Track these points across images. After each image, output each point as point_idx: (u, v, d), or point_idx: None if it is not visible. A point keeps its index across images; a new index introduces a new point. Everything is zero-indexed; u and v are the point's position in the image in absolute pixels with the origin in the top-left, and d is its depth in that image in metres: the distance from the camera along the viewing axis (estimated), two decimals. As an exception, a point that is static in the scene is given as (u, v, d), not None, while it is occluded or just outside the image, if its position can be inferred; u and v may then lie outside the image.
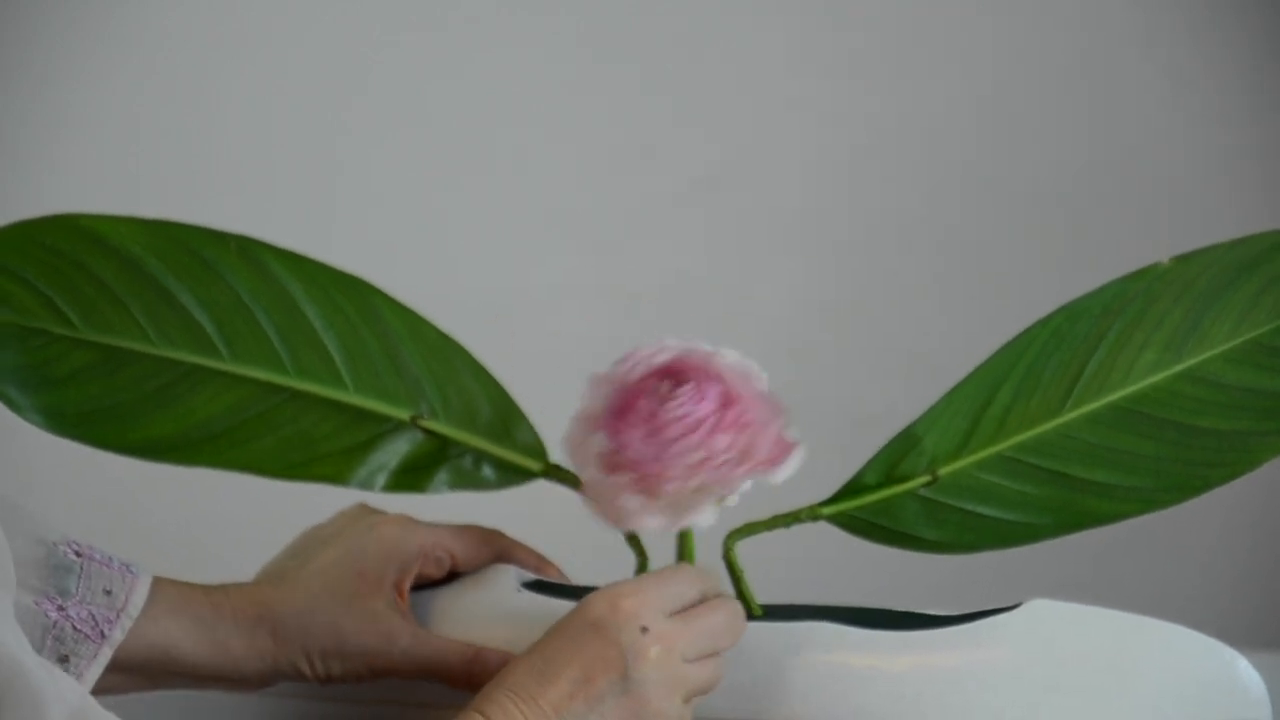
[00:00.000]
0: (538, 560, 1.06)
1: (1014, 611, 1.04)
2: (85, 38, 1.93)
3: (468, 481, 1.08)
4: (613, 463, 0.92)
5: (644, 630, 0.87)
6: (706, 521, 0.96)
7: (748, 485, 0.97)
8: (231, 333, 1.07)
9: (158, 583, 1.00)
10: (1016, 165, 1.92)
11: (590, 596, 0.91)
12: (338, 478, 1.07)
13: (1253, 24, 1.87)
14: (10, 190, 1.73)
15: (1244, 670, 1.02)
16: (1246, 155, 1.87)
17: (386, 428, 1.08)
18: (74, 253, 1.06)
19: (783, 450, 0.94)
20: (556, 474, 1.07)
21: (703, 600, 0.94)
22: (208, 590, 1.01)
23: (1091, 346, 1.09)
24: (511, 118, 1.96)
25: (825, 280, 1.94)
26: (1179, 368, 1.09)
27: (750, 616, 1.05)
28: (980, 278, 1.92)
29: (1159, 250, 1.11)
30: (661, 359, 0.93)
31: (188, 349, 1.07)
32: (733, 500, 1.00)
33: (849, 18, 1.93)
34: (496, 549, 1.05)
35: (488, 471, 1.09)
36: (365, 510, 1.08)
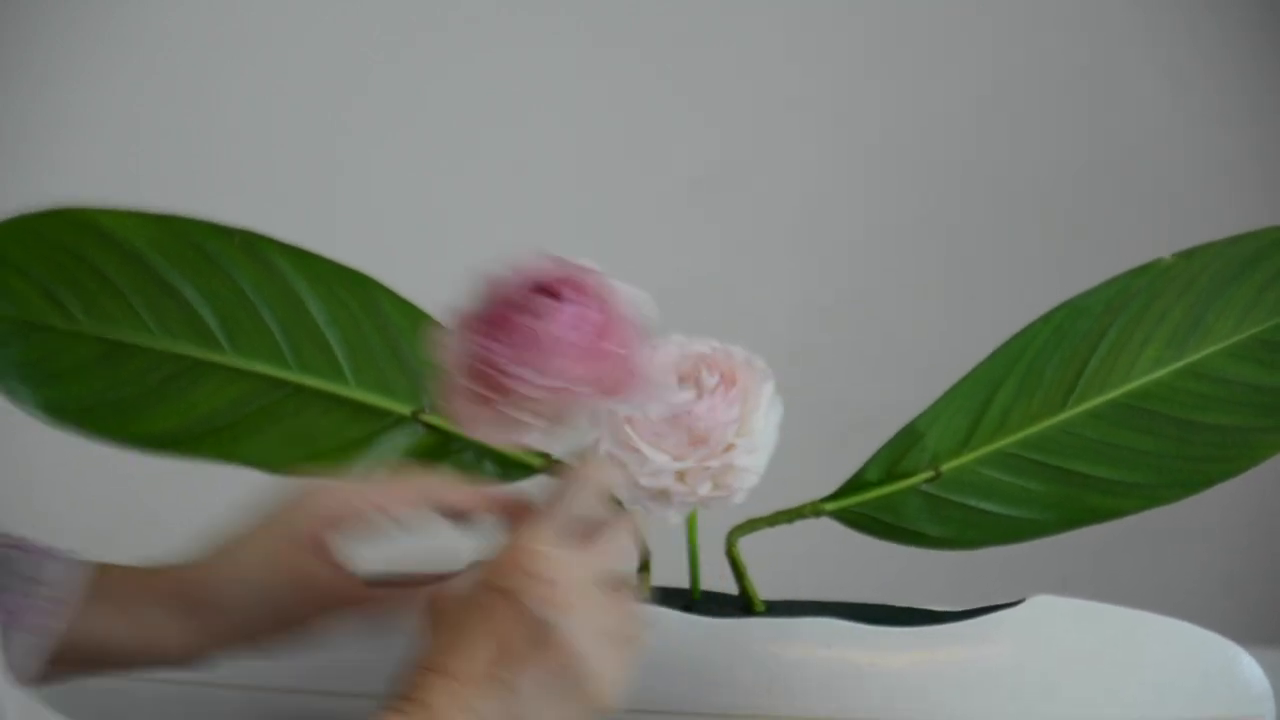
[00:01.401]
0: (472, 498, 0.97)
1: (1016, 607, 1.04)
2: (88, 36, 1.93)
3: (470, 476, 1.08)
4: (472, 368, 0.88)
5: (545, 579, 0.81)
6: (538, 444, 0.91)
7: (604, 412, 0.92)
8: (234, 327, 1.07)
9: (90, 568, 0.97)
10: (1017, 164, 1.92)
11: (487, 558, 0.85)
12: (339, 472, 1.07)
13: (1254, 24, 1.87)
14: (13, 187, 1.73)
15: (1246, 665, 1.03)
16: (1248, 155, 1.87)
17: (388, 422, 1.08)
18: (77, 246, 1.06)
19: (638, 383, 0.89)
20: (559, 470, 1.07)
21: (595, 523, 0.88)
22: (139, 573, 0.98)
23: (1093, 343, 1.09)
24: (513, 116, 1.96)
25: (826, 279, 1.94)
26: (1181, 364, 1.09)
27: (753, 612, 1.05)
28: (982, 276, 1.92)
29: (1161, 247, 1.12)
30: (547, 273, 0.89)
31: (190, 343, 1.07)
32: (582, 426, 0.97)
33: (849, 18, 1.93)
34: (428, 498, 0.98)
35: (489, 466, 1.08)
36: (294, 481, 1.04)
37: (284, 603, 0.94)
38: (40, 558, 0.96)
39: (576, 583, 0.82)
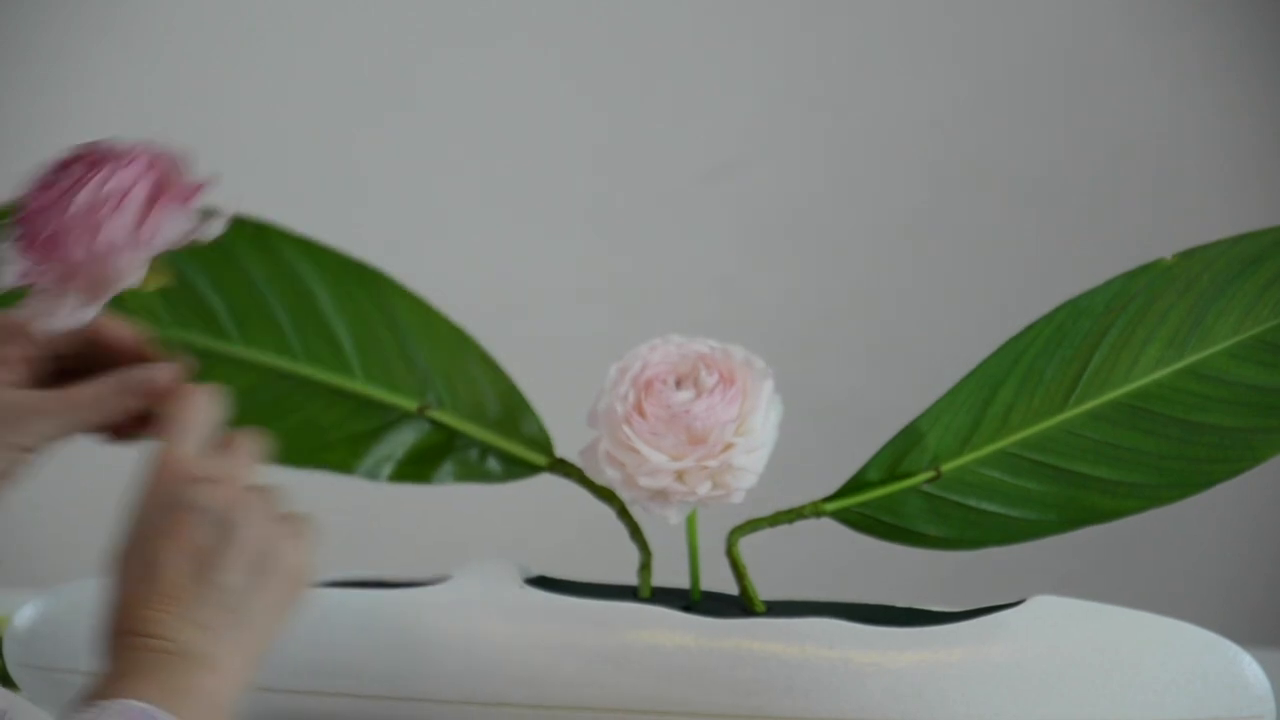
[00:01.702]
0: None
1: (1017, 608, 1.04)
2: (97, 28, 1.93)
3: (473, 474, 1.08)
4: (28, 249, 0.87)
5: (201, 482, 0.83)
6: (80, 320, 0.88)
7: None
8: (243, 316, 1.07)
9: None
10: (1020, 163, 1.92)
11: (140, 486, 0.85)
12: (343, 466, 1.07)
13: (1258, 22, 1.87)
14: (15, 185, 1.73)
15: (1248, 666, 1.02)
16: (1252, 154, 1.87)
17: (393, 417, 1.08)
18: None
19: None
20: (562, 468, 1.07)
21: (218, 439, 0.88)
22: None
23: (1094, 343, 1.08)
24: (520, 113, 1.96)
25: (828, 278, 1.94)
26: (1182, 364, 1.08)
27: (753, 612, 1.05)
28: (983, 275, 1.92)
29: (1162, 247, 1.11)
30: (89, 152, 0.87)
31: (199, 332, 1.07)
32: None
33: (851, 16, 1.93)
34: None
35: (493, 464, 1.08)
36: None
37: None
38: None
39: (230, 481, 0.84)
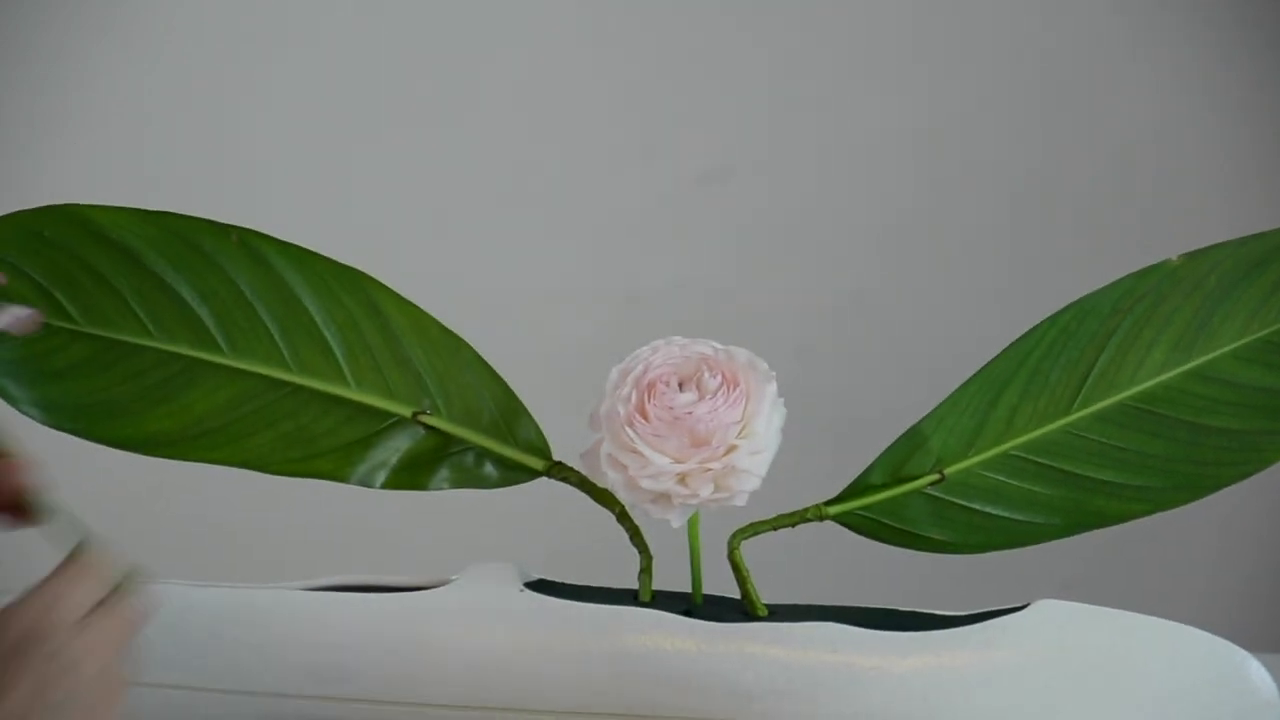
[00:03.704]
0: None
1: (1022, 612, 1.04)
2: (97, 28, 1.93)
3: (469, 479, 1.08)
4: None
5: (58, 650, 0.83)
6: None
7: None
8: (231, 326, 1.07)
9: None
10: (1023, 164, 1.92)
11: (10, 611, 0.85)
12: (337, 474, 1.07)
13: (1255, 24, 1.87)
14: (16, 187, 1.73)
15: (1255, 671, 1.02)
16: (1257, 155, 1.87)
17: (387, 424, 1.07)
18: (71, 244, 1.05)
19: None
20: (560, 472, 1.07)
21: (109, 586, 0.88)
22: None
23: (1100, 345, 1.08)
24: (515, 115, 1.95)
25: (830, 280, 1.93)
26: (1189, 366, 1.08)
27: (755, 616, 1.05)
28: (987, 277, 1.91)
29: (1164, 247, 1.11)
30: None
31: (187, 342, 1.07)
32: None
33: (852, 17, 1.92)
34: None
35: (490, 469, 1.08)
36: None
37: None
38: None
39: (79, 648, 0.84)
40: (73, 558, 0.87)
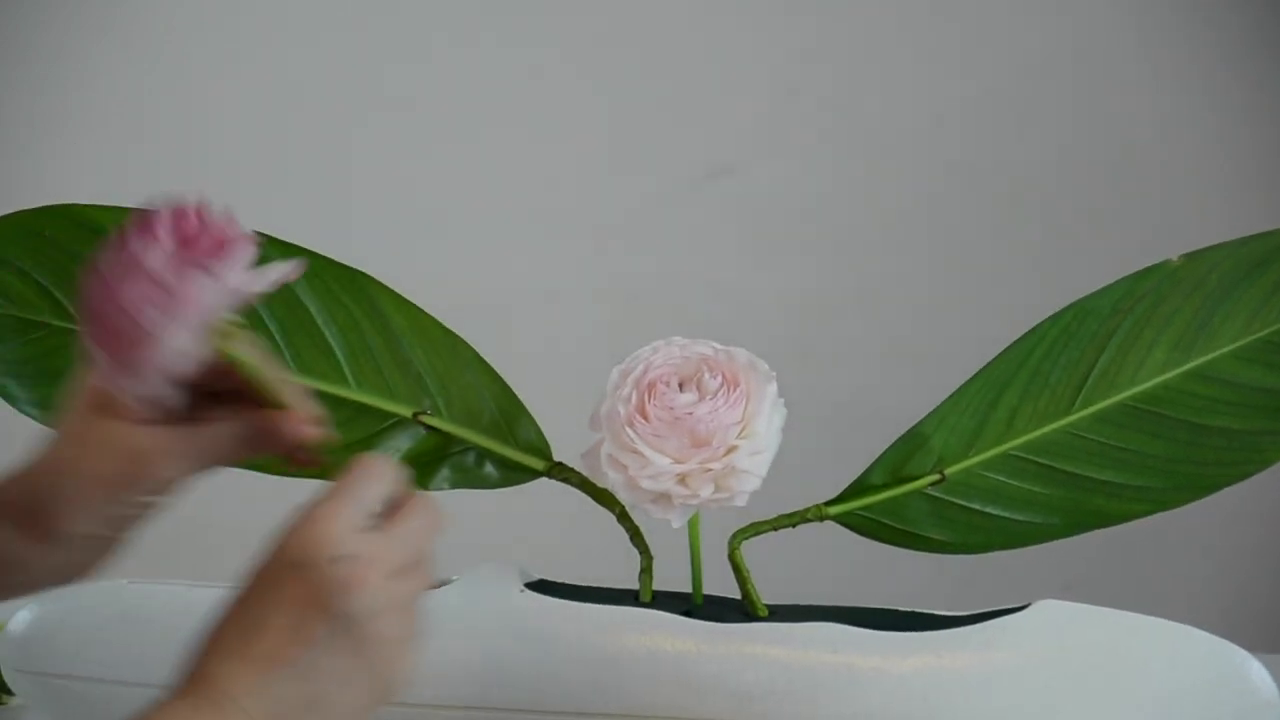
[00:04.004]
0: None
1: (1022, 612, 1.03)
2: (97, 28, 1.93)
3: (470, 479, 1.08)
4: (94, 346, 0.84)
5: (343, 559, 0.77)
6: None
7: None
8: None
9: None
10: (1023, 164, 1.92)
11: (282, 532, 0.80)
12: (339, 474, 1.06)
13: (1255, 25, 1.87)
14: (17, 186, 1.73)
15: (1255, 671, 1.02)
16: (1258, 155, 1.87)
17: (388, 424, 1.07)
18: (72, 244, 1.05)
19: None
20: (561, 473, 1.07)
21: (394, 501, 0.83)
22: None
23: (1100, 345, 1.08)
24: (515, 115, 1.96)
25: (831, 280, 1.93)
26: (1189, 366, 1.08)
27: (755, 617, 1.04)
28: (988, 277, 1.91)
29: (1165, 247, 1.11)
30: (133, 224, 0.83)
31: None
32: None
33: (852, 15, 1.92)
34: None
35: (490, 470, 1.08)
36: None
37: (104, 476, 0.85)
38: None
39: (375, 566, 0.78)
40: (350, 471, 0.82)
